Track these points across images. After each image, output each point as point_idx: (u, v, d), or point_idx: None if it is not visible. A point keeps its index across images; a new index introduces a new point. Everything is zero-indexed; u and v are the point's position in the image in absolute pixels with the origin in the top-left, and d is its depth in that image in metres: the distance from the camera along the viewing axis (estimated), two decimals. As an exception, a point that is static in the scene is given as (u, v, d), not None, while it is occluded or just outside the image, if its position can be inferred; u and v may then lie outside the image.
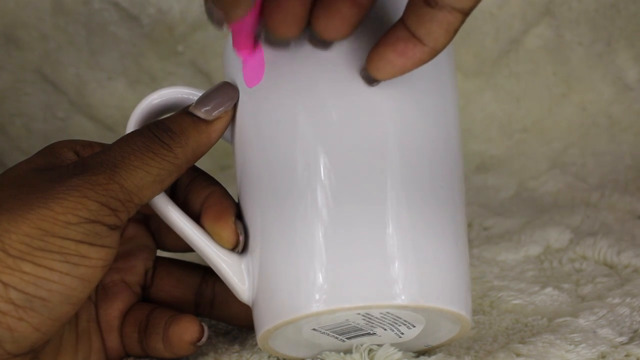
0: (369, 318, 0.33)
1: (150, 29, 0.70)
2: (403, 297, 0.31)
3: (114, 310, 0.38)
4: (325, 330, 0.34)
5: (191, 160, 0.34)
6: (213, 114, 0.34)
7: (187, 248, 0.38)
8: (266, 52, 0.33)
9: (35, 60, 0.67)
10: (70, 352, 0.36)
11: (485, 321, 0.42)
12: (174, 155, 0.34)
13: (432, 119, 0.34)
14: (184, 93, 0.36)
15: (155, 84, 0.71)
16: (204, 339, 0.36)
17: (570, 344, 0.38)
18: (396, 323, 0.34)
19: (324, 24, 0.30)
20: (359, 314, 0.32)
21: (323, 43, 0.31)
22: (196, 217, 0.36)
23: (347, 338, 0.35)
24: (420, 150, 0.33)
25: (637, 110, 0.66)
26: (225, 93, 0.34)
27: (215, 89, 0.35)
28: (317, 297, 0.31)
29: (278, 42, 0.31)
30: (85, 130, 0.66)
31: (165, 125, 0.34)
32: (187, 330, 0.36)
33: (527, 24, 0.67)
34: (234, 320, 0.39)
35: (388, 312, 0.32)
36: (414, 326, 0.34)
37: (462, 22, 0.29)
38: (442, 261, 0.32)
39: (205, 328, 0.36)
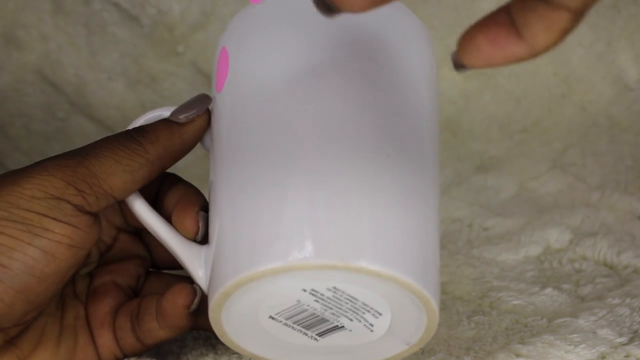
0: (320, 298, 0.32)
1: (150, 30, 0.70)
2: (326, 256, 0.30)
3: (104, 306, 0.38)
4: (285, 319, 0.33)
5: (164, 157, 0.36)
6: (186, 117, 0.37)
7: (178, 265, 0.39)
8: (230, 54, 0.36)
9: (35, 60, 0.67)
10: (51, 344, 0.37)
11: (485, 321, 0.42)
12: (144, 149, 0.36)
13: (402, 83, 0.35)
14: (165, 113, 0.38)
15: (155, 85, 0.71)
16: (196, 301, 0.36)
17: (570, 345, 0.38)
18: (357, 309, 0.33)
19: None
20: (304, 290, 0.32)
21: (331, 10, 0.26)
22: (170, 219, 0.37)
23: (317, 335, 0.34)
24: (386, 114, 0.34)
25: (638, 110, 0.66)
26: (198, 100, 0.37)
27: (190, 99, 0.38)
28: (245, 264, 0.31)
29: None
30: (85, 131, 0.66)
31: (140, 127, 0.37)
32: (179, 294, 0.36)
33: (527, 24, 0.67)
34: None
35: (336, 288, 0.32)
36: (380, 314, 0.33)
37: (573, 23, 0.25)
38: (398, 227, 0.32)
39: (198, 290, 0.36)
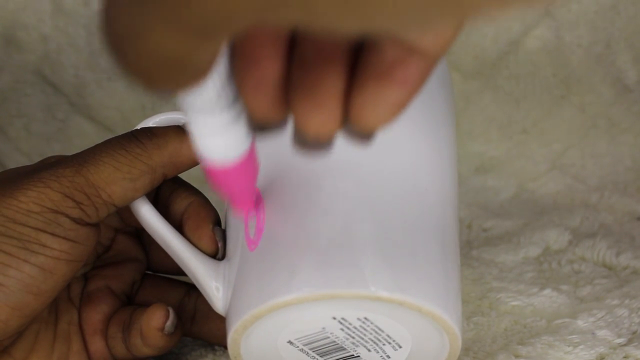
0: (347, 327, 0.31)
1: (150, 30, 0.70)
2: (374, 288, 0.30)
3: (97, 313, 0.37)
4: (303, 345, 0.32)
5: (168, 166, 0.34)
6: None
7: (173, 269, 0.38)
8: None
9: (35, 61, 0.67)
10: (44, 351, 0.36)
11: (484, 322, 0.42)
12: (147, 155, 0.34)
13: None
14: (182, 119, 0.35)
15: (155, 85, 0.71)
16: (169, 323, 0.35)
17: (569, 346, 0.38)
18: (379, 341, 0.32)
19: (371, 109, 0.23)
20: (334, 318, 0.31)
21: (366, 135, 0.24)
22: (178, 229, 0.36)
23: None
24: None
25: (637, 111, 0.66)
26: None
27: None
28: (283, 286, 0.30)
29: (314, 144, 0.25)
30: (85, 132, 0.66)
31: (149, 129, 0.34)
32: (153, 316, 0.35)
33: (527, 25, 0.67)
34: (212, 337, 0.38)
35: (366, 319, 0.31)
36: (400, 347, 0.32)
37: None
38: (425, 258, 0.32)
39: (171, 312, 0.35)
